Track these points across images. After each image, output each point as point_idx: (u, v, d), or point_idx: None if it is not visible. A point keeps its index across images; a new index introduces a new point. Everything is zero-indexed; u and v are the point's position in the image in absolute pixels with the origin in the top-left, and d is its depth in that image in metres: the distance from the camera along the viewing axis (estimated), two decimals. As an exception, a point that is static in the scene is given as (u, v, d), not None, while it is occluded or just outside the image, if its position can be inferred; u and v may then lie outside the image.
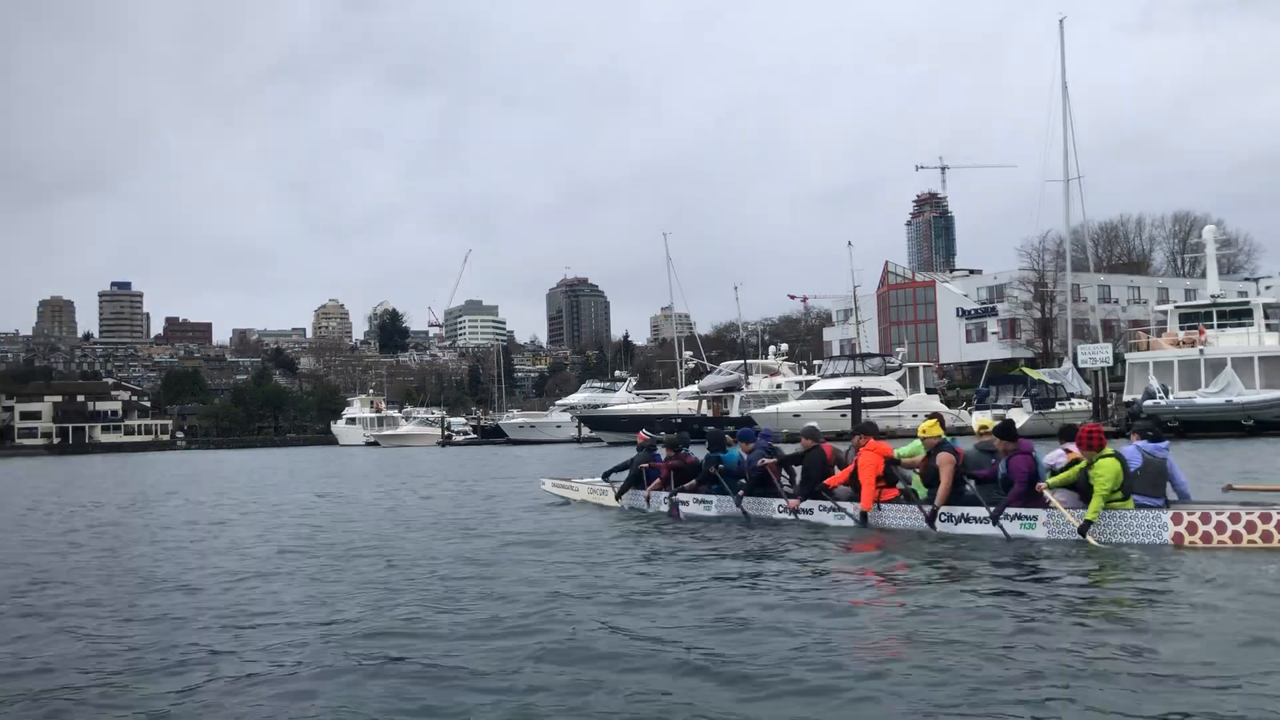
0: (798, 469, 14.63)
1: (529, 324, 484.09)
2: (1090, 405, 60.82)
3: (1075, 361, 58.72)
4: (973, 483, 12.18)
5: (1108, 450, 10.97)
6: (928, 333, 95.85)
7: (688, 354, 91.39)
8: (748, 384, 76.21)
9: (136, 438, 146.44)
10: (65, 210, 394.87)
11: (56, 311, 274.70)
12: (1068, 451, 11.84)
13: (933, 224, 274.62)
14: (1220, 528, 10.48)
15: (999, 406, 57.83)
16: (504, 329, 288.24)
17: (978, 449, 12.75)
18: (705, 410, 75.63)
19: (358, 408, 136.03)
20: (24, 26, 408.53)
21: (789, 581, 9.49)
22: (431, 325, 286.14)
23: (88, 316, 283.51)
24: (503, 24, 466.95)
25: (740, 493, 14.82)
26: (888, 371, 71.35)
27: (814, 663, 6.40)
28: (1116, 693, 5.56)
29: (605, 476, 18.40)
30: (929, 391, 72.31)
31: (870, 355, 73.95)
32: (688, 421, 74.44)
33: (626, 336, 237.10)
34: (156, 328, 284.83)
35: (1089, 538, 10.79)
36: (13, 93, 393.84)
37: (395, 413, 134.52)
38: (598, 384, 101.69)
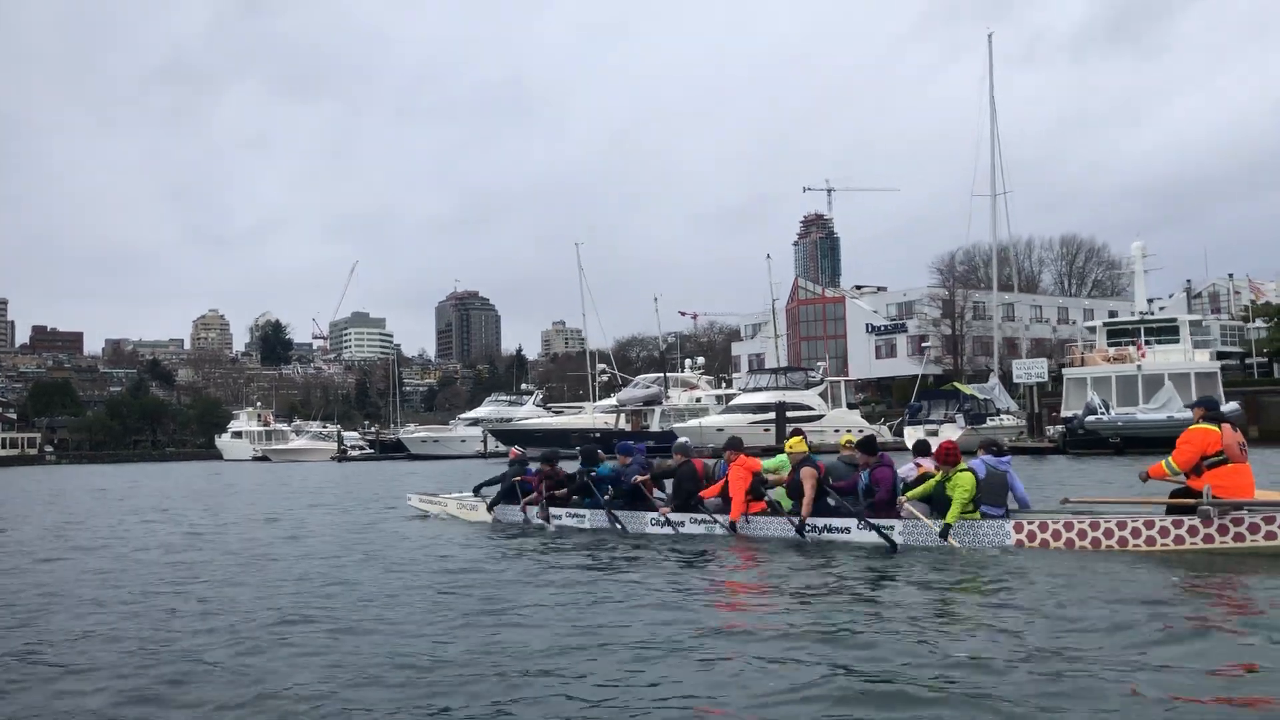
0: (669, 483, 15.01)
1: (417, 337, 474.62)
2: (1019, 420, 60.04)
3: (1009, 377, 57.79)
4: (835, 494, 12.97)
5: (963, 465, 11.91)
6: (837, 348, 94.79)
7: (600, 367, 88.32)
8: (667, 397, 73.58)
9: (1, 451, 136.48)
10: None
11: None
12: (918, 465, 12.85)
13: (819, 244, 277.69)
14: (1055, 535, 11.52)
15: (931, 421, 56.48)
16: (391, 342, 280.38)
17: (841, 461, 13.51)
18: (624, 424, 72.73)
19: (244, 421, 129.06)
20: None
21: (663, 589, 9.70)
22: (316, 337, 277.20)
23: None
24: (402, 35, 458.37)
25: (609, 501, 15.09)
26: (809, 386, 69.60)
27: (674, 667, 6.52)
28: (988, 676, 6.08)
29: (476, 490, 18.34)
30: (850, 406, 70.90)
31: (792, 369, 72.16)
32: (607, 435, 71.50)
33: (519, 350, 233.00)
34: (22, 337, 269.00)
35: (950, 540, 11.65)
36: None
37: (284, 426, 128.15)
38: (503, 397, 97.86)
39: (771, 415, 65.87)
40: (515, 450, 18.57)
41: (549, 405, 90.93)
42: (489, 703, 5.89)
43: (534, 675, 6.45)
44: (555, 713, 5.68)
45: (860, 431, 71.32)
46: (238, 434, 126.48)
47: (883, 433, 70.34)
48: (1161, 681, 5.86)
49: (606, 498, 15.19)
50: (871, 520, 12.20)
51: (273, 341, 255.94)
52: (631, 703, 5.80)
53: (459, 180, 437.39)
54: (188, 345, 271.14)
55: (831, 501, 12.88)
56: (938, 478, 11.96)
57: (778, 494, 13.40)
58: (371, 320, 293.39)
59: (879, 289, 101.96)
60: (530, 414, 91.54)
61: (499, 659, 6.90)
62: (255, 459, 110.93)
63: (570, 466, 16.98)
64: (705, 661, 6.63)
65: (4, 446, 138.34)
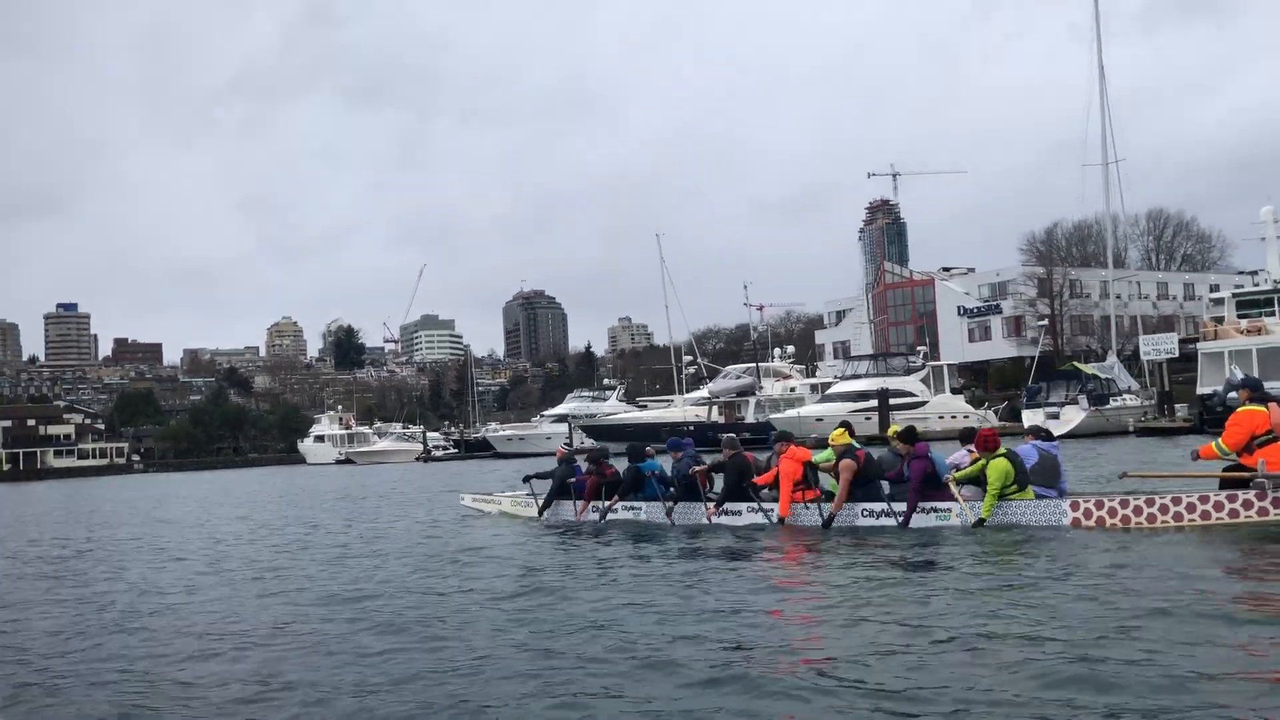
0: (717, 478, 15.16)
1: (486, 338, 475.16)
2: (1143, 399, 56.57)
3: (1135, 353, 54.35)
4: (886, 483, 13.23)
5: (1001, 450, 12.16)
6: (927, 333, 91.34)
7: (687, 358, 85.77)
8: (760, 388, 70.96)
9: (91, 461, 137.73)
10: (14, 234, 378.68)
11: (1, 335, 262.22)
12: (970, 452, 12.86)
13: (885, 230, 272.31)
14: (1111, 512, 11.55)
15: (1051, 404, 53.30)
16: (461, 343, 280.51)
17: (891, 452, 13.53)
18: (716, 416, 70.34)
19: (326, 424, 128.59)
20: None
21: (728, 582, 9.70)
22: (387, 341, 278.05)
23: (33, 340, 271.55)
24: (464, 40, 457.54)
25: (670, 502, 15.22)
26: (910, 372, 66.70)
27: (738, 664, 6.41)
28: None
29: (526, 480, 18.12)
30: (953, 391, 67.73)
31: (892, 355, 69.20)
32: (701, 428, 69.10)
33: (589, 348, 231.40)
34: (105, 349, 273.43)
35: (983, 532, 11.82)
36: None
37: (366, 429, 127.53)
38: (586, 393, 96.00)
39: (872, 403, 63.07)
40: (562, 449, 18.68)
41: (635, 400, 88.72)
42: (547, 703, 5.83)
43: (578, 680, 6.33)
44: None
45: (965, 417, 68.34)
46: (320, 438, 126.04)
47: (989, 418, 67.13)
48: (1221, 657, 5.85)
49: (670, 503, 15.31)
50: (915, 511, 12.59)
51: (345, 346, 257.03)
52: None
53: (523, 181, 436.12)
54: (263, 352, 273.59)
55: (887, 490, 13.17)
56: (982, 462, 12.19)
57: (830, 483, 13.73)
58: (441, 322, 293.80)
59: (968, 270, 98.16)
60: (614, 408, 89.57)
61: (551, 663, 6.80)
62: (338, 462, 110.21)
63: (618, 464, 17.00)
64: (761, 668, 6.38)
65: (95, 456, 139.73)
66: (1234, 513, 10.99)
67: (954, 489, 12.38)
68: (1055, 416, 52.66)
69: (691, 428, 68.42)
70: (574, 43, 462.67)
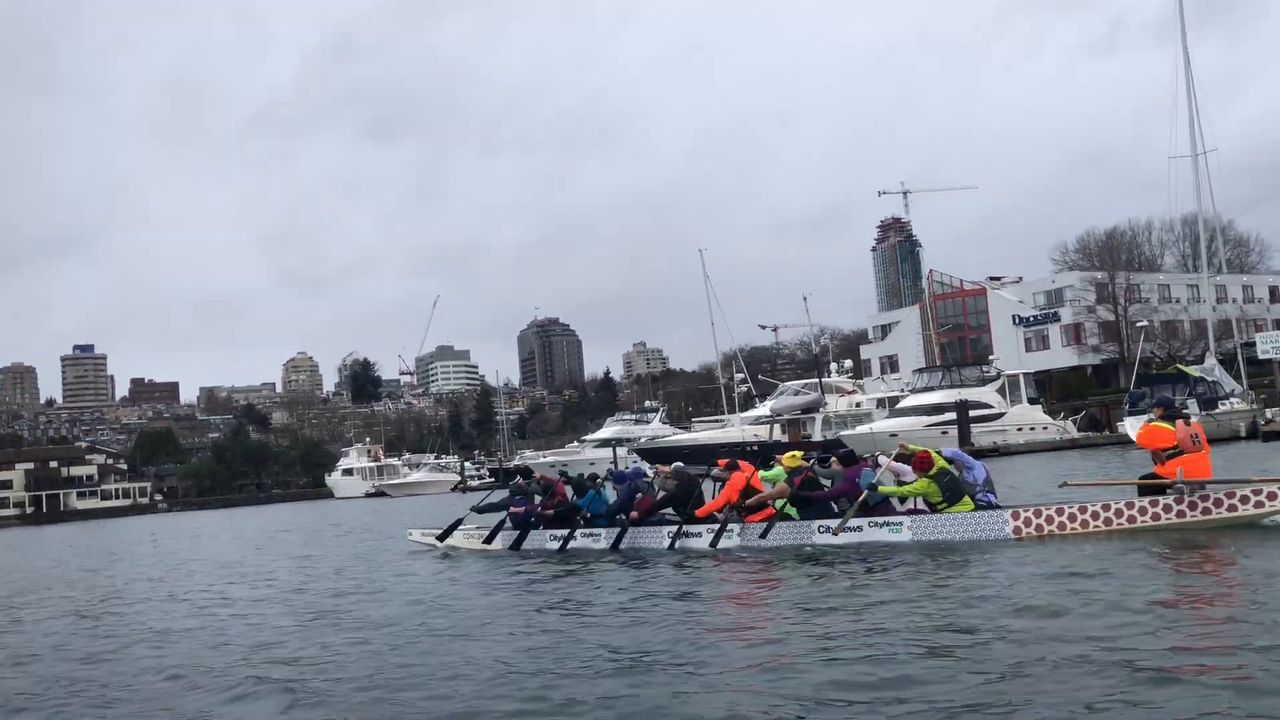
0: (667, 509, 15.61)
1: (501, 367, 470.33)
2: (1249, 403, 52.42)
3: (1251, 353, 50.26)
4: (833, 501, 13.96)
5: (932, 471, 12.96)
6: (981, 343, 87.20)
7: (739, 376, 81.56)
8: (824, 404, 66.76)
9: (114, 502, 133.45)
10: (35, 277, 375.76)
11: (18, 378, 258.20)
12: (892, 471, 13.85)
13: (898, 248, 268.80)
14: (1049, 519, 12.44)
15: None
16: (476, 374, 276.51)
17: (825, 471, 14.39)
18: (779, 435, 66.07)
19: (355, 458, 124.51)
20: (2, 87, 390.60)
21: (674, 603, 9.91)
22: (403, 373, 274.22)
23: (50, 382, 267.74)
24: (484, 70, 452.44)
25: (618, 529, 15.53)
26: (984, 382, 62.48)
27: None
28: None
29: (477, 511, 18.08)
30: (1031, 402, 63.41)
31: (966, 365, 65.02)
32: (765, 448, 64.88)
33: (607, 373, 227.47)
34: (121, 390, 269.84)
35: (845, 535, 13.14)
36: None
37: (395, 461, 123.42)
38: (628, 416, 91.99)
39: (949, 416, 58.96)
40: (519, 479, 18.72)
41: (679, 422, 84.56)
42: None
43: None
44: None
45: (1044, 428, 64.12)
46: (348, 471, 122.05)
47: (1068, 428, 63.00)
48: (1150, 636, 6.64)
49: (619, 516, 15.71)
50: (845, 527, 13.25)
51: (362, 380, 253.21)
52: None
53: (539, 209, 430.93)
54: (279, 388, 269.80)
55: (836, 508, 13.71)
56: (914, 487, 13.02)
57: (780, 504, 14.06)
58: (456, 353, 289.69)
59: (1018, 279, 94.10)
60: (658, 431, 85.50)
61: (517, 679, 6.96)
62: (368, 495, 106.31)
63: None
64: (715, 672, 6.71)
65: (118, 497, 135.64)
66: (1156, 516, 11.95)
67: (888, 462, 13.69)
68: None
69: (755, 447, 64.21)
70: (594, 68, 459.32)
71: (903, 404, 62.47)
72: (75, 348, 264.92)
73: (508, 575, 13.70)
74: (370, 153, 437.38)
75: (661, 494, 15.64)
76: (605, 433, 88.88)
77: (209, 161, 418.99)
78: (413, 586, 13.39)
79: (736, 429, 69.01)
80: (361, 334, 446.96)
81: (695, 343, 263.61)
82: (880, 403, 66.79)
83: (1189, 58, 53.61)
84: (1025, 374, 64.34)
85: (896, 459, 13.83)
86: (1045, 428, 61.96)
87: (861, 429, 60.04)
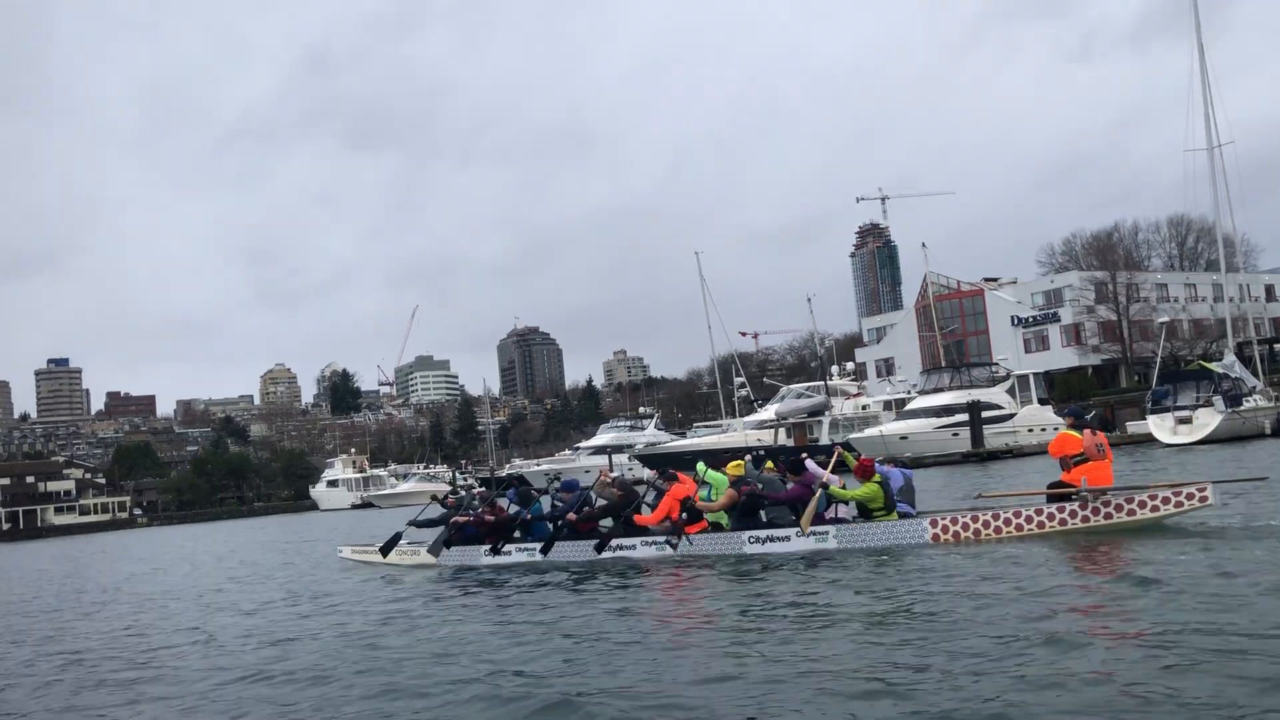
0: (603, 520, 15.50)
1: (481, 377, 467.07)
2: (1273, 401, 50.98)
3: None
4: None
5: (875, 477, 13.52)
6: (979, 345, 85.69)
7: (739, 380, 79.61)
8: (829, 407, 64.93)
9: (93, 517, 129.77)
10: (8, 292, 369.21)
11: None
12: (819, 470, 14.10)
13: (877, 254, 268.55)
14: (965, 527, 13.04)
15: (1182, 407, 47.59)
16: (456, 383, 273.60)
17: (770, 477, 14.61)
18: (785, 439, 64.22)
19: (339, 469, 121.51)
20: None
21: (616, 612, 10.06)
22: (382, 384, 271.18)
23: (24, 397, 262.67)
24: (462, 82, 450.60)
25: (555, 531, 15.54)
26: (995, 383, 60.79)
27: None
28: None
29: (415, 526, 17.93)
30: (1041, 402, 61.77)
31: (975, 365, 63.37)
32: (771, 452, 62.96)
33: (590, 381, 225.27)
34: (97, 404, 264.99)
35: (812, 539, 13.26)
36: None
37: (381, 471, 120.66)
38: (622, 423, 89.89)
39: (959, 418, 57.26)
40: (451, 497, 18.68)
41: (693, 426, 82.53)
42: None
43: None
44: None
45: (1055, 429, 62.60)
46: (333, 483, 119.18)
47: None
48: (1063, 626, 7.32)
49: (556, 526, 15.65)
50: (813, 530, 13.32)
51: (341, 391, 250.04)
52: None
53: (519, 220, 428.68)
54: (257, 400, 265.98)
55: (764, 517, 14.11)
56: (861, 491, 13.50)
57: (716, 515, 14.36)
58: (436, 363, 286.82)
59: (1013, 280, 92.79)
60: (654, 437, 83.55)
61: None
62: (355, 507, 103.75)
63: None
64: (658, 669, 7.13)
65: (97, 512, 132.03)
66: (1063, 521, 12.60)
67: (827, 475, 13.79)
68: (1187, 421, 47.00)
69: (762, 452, 62.29)
70: (571, 80, 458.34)
71: (911, 405, 60.71)
72: (50, 361, 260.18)
73: (446, 589, 13.79)
74: (348, 165, 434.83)
75: (601, 503, 15.66)
76: (600, 439, 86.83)
77: (185, 175, 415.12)
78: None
79: (739, 434, 67.05)
80: (340, 346, 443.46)
81: (676, 350, 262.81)
82: (887, 405, 65.04)
83: (1204, 48, 52.23)
84: (1035, 374, 62.67)
85: (836, 462, 14.50)
86: (1056, 428, 60.28)
87: (871, 431, 58.25)
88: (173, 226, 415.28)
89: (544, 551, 15.20)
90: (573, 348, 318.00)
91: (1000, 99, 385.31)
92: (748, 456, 16.31)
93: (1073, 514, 12.57)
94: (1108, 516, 12.46)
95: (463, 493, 18.94)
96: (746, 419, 70.17)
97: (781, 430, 64.38)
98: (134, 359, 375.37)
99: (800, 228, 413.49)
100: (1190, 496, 12.28)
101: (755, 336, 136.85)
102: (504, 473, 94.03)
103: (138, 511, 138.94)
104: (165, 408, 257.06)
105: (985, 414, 57.49)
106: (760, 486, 14.19)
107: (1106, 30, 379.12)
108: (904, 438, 56.71)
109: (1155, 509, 12.39)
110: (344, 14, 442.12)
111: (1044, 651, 6.55)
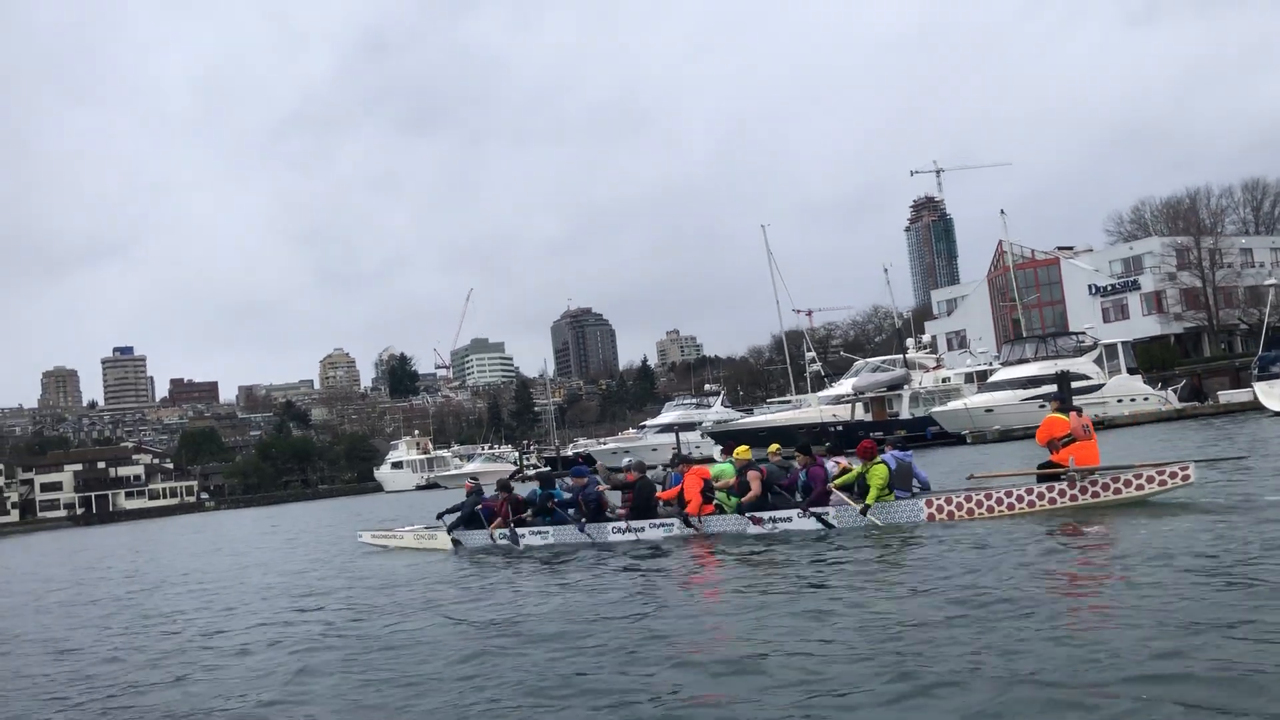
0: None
1: (535, 358, 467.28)
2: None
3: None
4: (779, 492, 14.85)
5: (878, 458, 13.91)
6: (1054, 315, 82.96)
7: (810, 355, 77.68)
8: (910, 380, 62.89)
9: (162, 501, 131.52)
10: (80, 281, 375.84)
11: (60, 382, 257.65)
12: (838, 464, 14.74)
13: (932, 228, 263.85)
14: (959, 506, 13.47)
15: (1291, 374, 45.15)
16: (511, 365, 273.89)
17: (776, 465, 15.35)
18: (862, 414, 62.33)
19: (404, 450, 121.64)
20: (45, 96, 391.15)
21: (641, 590, 10.59)
22: (439, 367, 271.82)
23: (91, 385, 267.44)
24: (516, 61, 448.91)
25: (582, 519, 16.19)
26: (1081, 352, 58.41)
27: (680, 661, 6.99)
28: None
29: (439, 517, 18.81)
30: (1130, 372, 59.29)
31: (1060, 334, 61.01)
32: (849, 428, 61.17)
33: (645, 361, 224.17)
34: (161, 391, 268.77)
35: (872, 517, 13.55)
36: (34, 163, 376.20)
37: (445, 453, 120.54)
38: (688, 400, 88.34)
39: (1046, 389, 54.95)
40: (470, 482, 19.44)
41: (765, 402, 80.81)
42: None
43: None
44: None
45: (1145, 399, 60.21)
46: (398, 464, 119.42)
47: (1169, 398, 58.94)
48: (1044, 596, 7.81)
49: (571, 511, 16.45)
50: (812, 509, 14.07)
51: (399, 374, 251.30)
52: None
53: (572, 200, 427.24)
54: (317, 385, 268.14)
55: (770, 498, 14.65)
56: (858, 470, 13.97)
57: (721, 496, 15.07)
58: (491, 345, 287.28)
59: (1087, 249, 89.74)
60: (721, 414, 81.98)
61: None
62: (420, 488, 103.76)
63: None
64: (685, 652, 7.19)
65: (165, 496, 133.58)
66: (1052, 500, 13.16)
67: (837, 493, 14.01)
68: (1291, 392, 44.63)
69: (840, 427, 60.50)
70: (625, 58, 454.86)
71: (995, 377, 58.51)
72: (115, 350, 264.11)
73: (473, 571, 14.22)
74: (403, 148, 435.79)
75: (611, 489, 16.75)
76: (666, 418, 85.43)
77: (245, 161, 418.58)
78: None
79: (814, 409, 65.24)
80: (397, 329, 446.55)
81: (730, 328, 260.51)
82: (968, 377, 62.83)
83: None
84: (1124, 343, 60.12)
85: (829, 452, 15.19)
86: (1146, 399, 57.85)
87: (955, 404, 56.23)
88: (233, 212, 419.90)
89: (581, 529, 16.04)
90: (625, 328, 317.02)
91: (1061, 65, 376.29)
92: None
93: (1061, 493, 13.03)
94: (1095, 495, 12.90)
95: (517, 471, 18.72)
96: (821, 394, 68.24)
97: (859, 405, 62.44)
98: (196, 345, 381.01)
99: (855, 202, 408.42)
100: (1174, 475, 12.70)
101: (809, 314, 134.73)
102: (569, 452, 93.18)
103: (205, 496, 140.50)
104: (227, 393, 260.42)
105: (1074, 385, 55.22)
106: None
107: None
108: (989, 410, 54.68)
109: (1140, 487, 12.80)
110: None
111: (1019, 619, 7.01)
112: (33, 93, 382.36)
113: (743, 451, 15.45)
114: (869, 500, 13.60)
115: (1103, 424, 54.66)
